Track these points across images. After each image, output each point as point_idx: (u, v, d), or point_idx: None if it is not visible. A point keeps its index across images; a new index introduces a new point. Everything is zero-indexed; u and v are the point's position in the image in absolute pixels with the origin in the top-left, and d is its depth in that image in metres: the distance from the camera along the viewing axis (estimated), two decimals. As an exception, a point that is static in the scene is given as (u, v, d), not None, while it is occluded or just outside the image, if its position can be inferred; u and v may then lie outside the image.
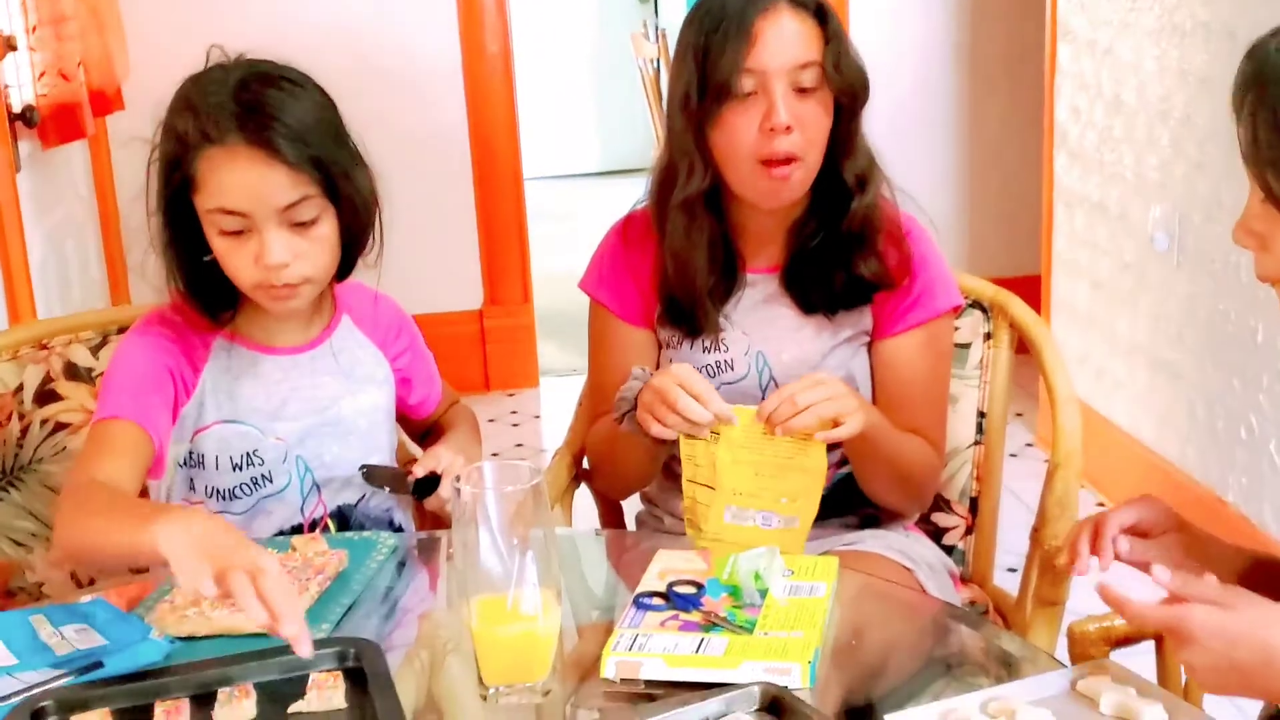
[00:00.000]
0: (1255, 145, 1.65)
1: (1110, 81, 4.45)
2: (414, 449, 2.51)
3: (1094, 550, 1.85)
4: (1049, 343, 2.53)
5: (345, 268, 2.27)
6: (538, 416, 5.74)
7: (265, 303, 2.20)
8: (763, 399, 2.12)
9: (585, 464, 2.64)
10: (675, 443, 2.17)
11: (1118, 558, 1.84)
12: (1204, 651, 1.50)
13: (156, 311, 2.28)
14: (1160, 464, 4.27)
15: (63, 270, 4.59)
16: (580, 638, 1.90)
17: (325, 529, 2.29)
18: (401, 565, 2.15)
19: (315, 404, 2.30)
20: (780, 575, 1.87)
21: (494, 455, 4.97)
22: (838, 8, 2.35)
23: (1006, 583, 2.64)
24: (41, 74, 4.15)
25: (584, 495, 2.67)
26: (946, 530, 2.61)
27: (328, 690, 1.65)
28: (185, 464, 2.27)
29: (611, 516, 2.70)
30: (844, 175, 2.34)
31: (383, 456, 2.37)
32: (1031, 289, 4.67)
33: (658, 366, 2.44)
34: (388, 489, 2.31)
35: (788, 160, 2.26)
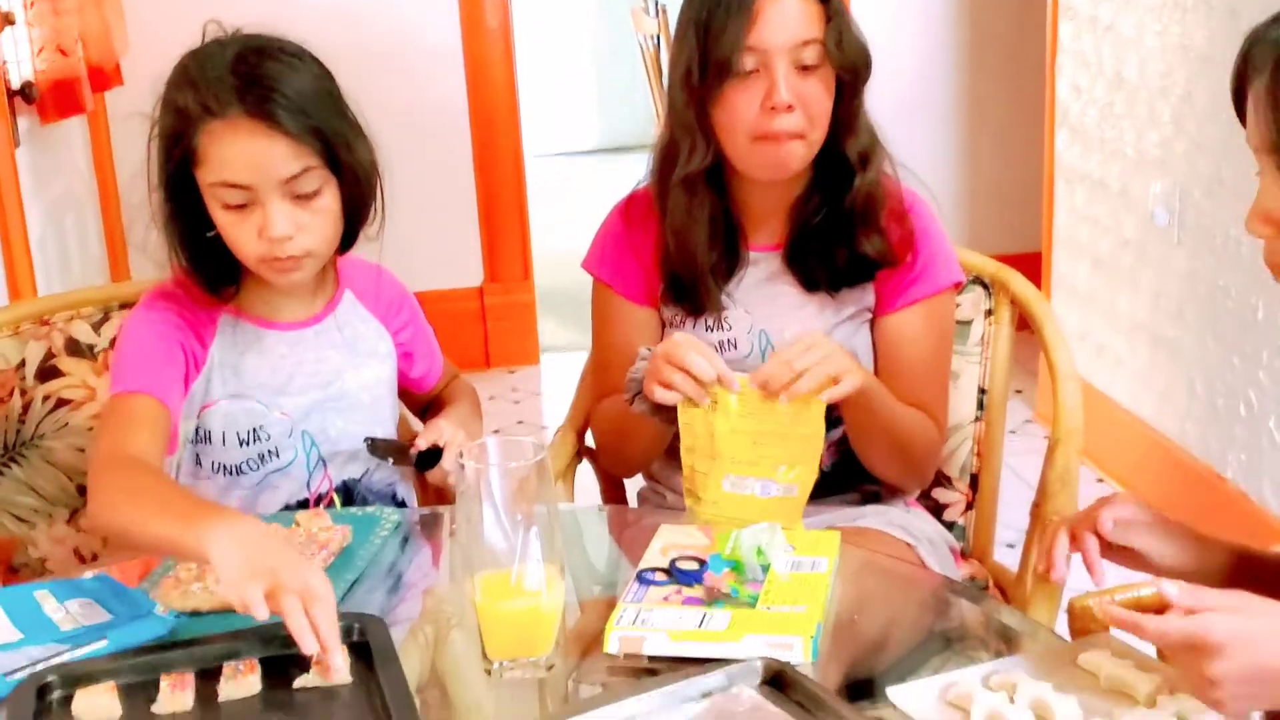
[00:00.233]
0: (1276, 131, 1.63)
1: (1111, 58, 4.45)
2: (415, 424, 2.52)
3: (1076, 547, 1.84)
4: (1050, 319, 2.54)
5: (348, 240, 2.26)
6: (538, 393, 5.73)
7: (269, 276, 2.20)
8: None
9: (588, 440, 2.65)
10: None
11: (1103, 541, 1.84)
12: (1231, 660, 1.45)
13: (160, 288, 2.28)
14: (1160, 440, 4.27)
15: (62, 246, 4.59)
16: (582, 613, 1.91)
17: (330, 503, 2.30)
18: (405, 541, 2.16)
19: (320, 378, 2.31)
20: (782, 551, 1.88)
21: (495, 432, 4.97)
22: (839, -16, 2.36)
23: (1006, 558, 2.65)
24: (40, 49, 4.14)
25: (585, 471, 2.68)
26: (947, 506, 2.61)
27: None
28: (192, 440, 2.27)
29: (613, 492, 2.70)
30: (846, 153, 2.34)
31: (386, 430, 2.37)
32: (1032, 266, 4.66)
33: (662, 346, 2.45)
34: (391, 461, 2.31)
35: (790, 137, 2.27)
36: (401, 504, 2.42)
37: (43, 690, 1.64)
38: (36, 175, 4.23)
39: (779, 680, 1.59)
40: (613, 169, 9.28)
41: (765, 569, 1.84)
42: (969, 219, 5.87)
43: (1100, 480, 4.50)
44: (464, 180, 5.78)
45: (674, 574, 1.85)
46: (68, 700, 1.62)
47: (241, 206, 2.12)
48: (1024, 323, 2.57)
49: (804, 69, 2.26)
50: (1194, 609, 1.49)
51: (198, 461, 2.28)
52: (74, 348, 2.53)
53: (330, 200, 2.16)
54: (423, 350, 2.50)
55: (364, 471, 2.35)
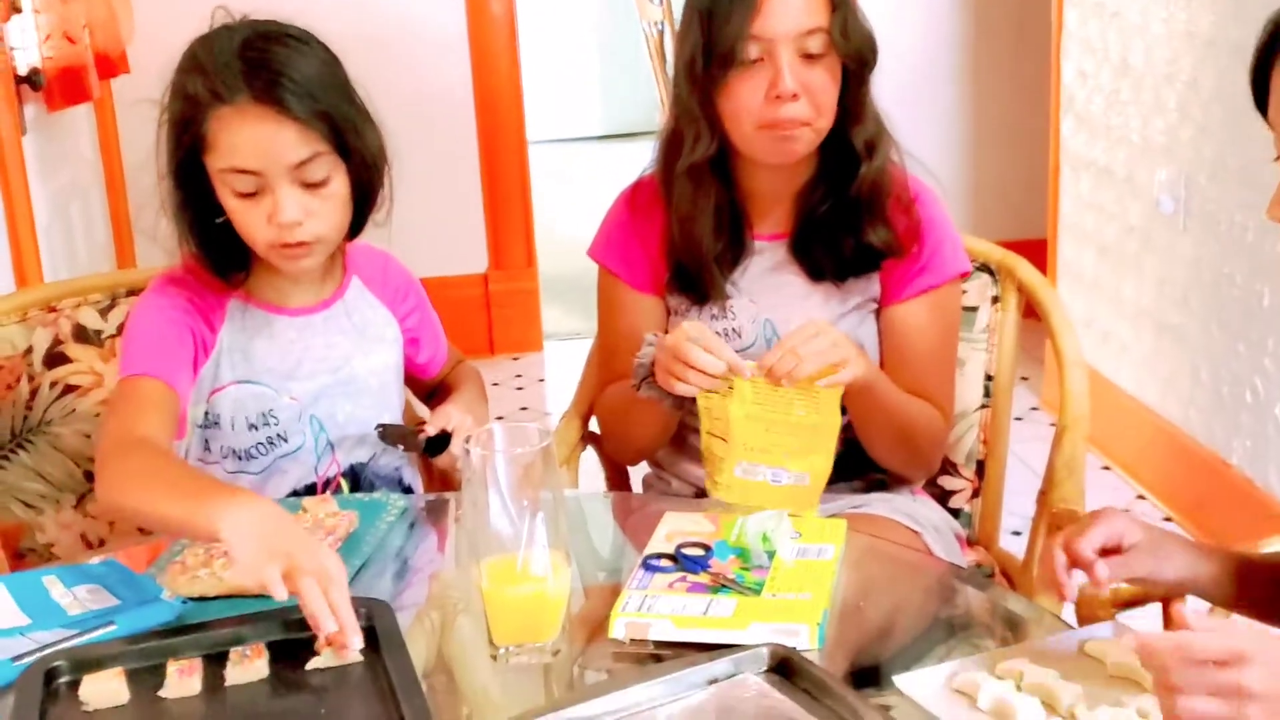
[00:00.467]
0: None
1: (1117, 44, 4.44)
2: (421, 410, 2.52)
3: (1075, 564, 1.78)
4: (1057, 306, 2.54)
5: (356, 226, 2.27)
6: (542, 380, 5.74)
7: (279, 262, 2.20)
8: None
9: (592, 427, 2.65)
10: (690, 406, 2.18)
11: (1099, 584, 1.77)
12: (1264, 669, 1.38)
13: (170, 273, 2.29)
14: (1165, 427, 4.28)
15: (68, 233, 4.59)
16: (587, 598, 1.90)
17: (338, 488, 2.30)
18: (411, 526, 2.16)
19: (328, 363, 2.32)
20: (788, 538, 1.88)
21: (499, 419, 4.97)
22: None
23: (1012, 545, 2.65)
24: (47, 37, 4.14)
25: (590, 457, 2.68)
26: (953, 493, 2.61)
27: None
28: (201, 425, 2.28)
29: (618, 479, 2.71)
30: (853, 141, 2.33)
31: (393, 415, 2.38)
32: (1037, 252, 4.65)
33: (667, 334, 2.45)
34: (401, 447, 2.32)
35: (794, 126, 2.26)
36: (408, 489, 2.42)
37: (50, 675, 1.64)
38: (43, 162, 4.23)
39: (785, 667, 1.59)
40: (617, 155, 9.28)
41: (771, 556, 1.85)
42: (974, 206, 5.86)
43: (1106, 468, 4.51)
44: (468, 167, 5.78)
45: (680, 560, 1.86)
46: (75, 685, 1.62)
47: (252, 194, 2.12)
48: (1029, 309, 2.57)
49: (809, 57, 2.26)
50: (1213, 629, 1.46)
51: (206, 446, 2.29)
52: (81, 334, 2.53)
53: (339, 186, 2.16)
54: (429, 336, 2.50)
55: (371, 456, 2.36)
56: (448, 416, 2.25)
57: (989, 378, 2.60)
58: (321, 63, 2.16)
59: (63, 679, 1.65)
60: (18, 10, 3.93)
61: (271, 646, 1.68)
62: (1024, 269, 2.57)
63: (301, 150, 2.10)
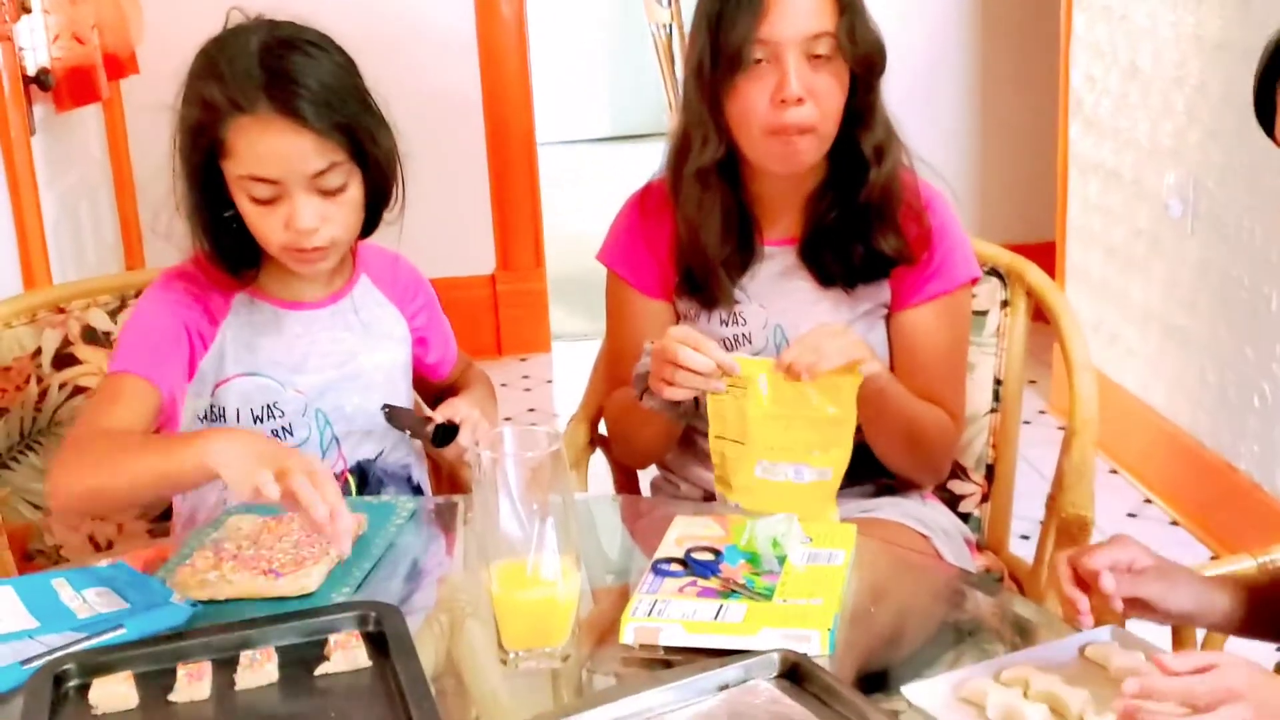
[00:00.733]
0: None
1: (1125, 48, 4.44)
2: (429, 413, 2.52)
3: (1083, 587, 1.77)
4: (1066, 310, 2.53)
5: (369, 226, 2.29)
6: (550, 381, 5.74)
7: (292, 265, 2.23)
8: None
9: (601, 429, 2.65)
10: (694, 412, 2.18)
11: (1104, 596, 1.75)
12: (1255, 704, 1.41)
13: (178, 267, 2.31)
14: (1172, 431, 4.27)
15: (77, 234, 4.59)
16: (596, 602, 1.91)
17: (345, 483, 2.30)
18: (420, 529, 2.16)
19: (335, 358, 2.32)
20: (798, 542, 1.88)
21: (506, 420, 4.97)
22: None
23: (1021, 550, 2.65)
24: (56, 37, 4.15)
25: (598, 460, 2.68)
26: (962, 498, 2.61)
27: (352, 650, 1.67)
28: (206, 417, 2.28)
29: (626, 482, 2.71)
30: (861, 146, 2.33)
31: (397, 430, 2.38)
32: (1045, 255, 4.65)
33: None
34: (408, 432, 2.32)
35: (800, 131, 2.26)
36: (417, 488, 2.43)
37: (59, 679, 1.63)
38: (52, 163, 4.23)
39: (795, 673, 1.59)
40: (625, 157, 9.30)
41: (781, 560, 1.84)
42: (982, 209, 5.86)
43: (1114, 472, 4.50)
44: (477, 168, 5.78)
45: (690, 565, 1.85)
46: (84, 689, 1.62)
47: (269, 200, 2.14)
48: (1038, 313, 2.57)
49: (816, 62, 2.26)
50: (1202, 667, 1.45)
51: None
52: (90, 335, 2.54)
53: (355, 192, 2.19)
54: (438, 338, 2.51)
55: (379, 452, 2.36)
56: (456, 408, 2.26)
57: (998, 382, 2.60)
58: (339, 70, 2.17)
59: (72, 682, 1.64)
60: (27, 10, 3.93)
61: (281, 650, 1.68)
62: (1033, 273, 2.57)
63: (320, 161, 2.12)
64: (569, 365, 5.79)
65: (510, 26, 5.70)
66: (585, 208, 7.50)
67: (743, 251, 2.40)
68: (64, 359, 2.51)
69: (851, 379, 2.12)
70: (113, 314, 2.56)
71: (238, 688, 1.63)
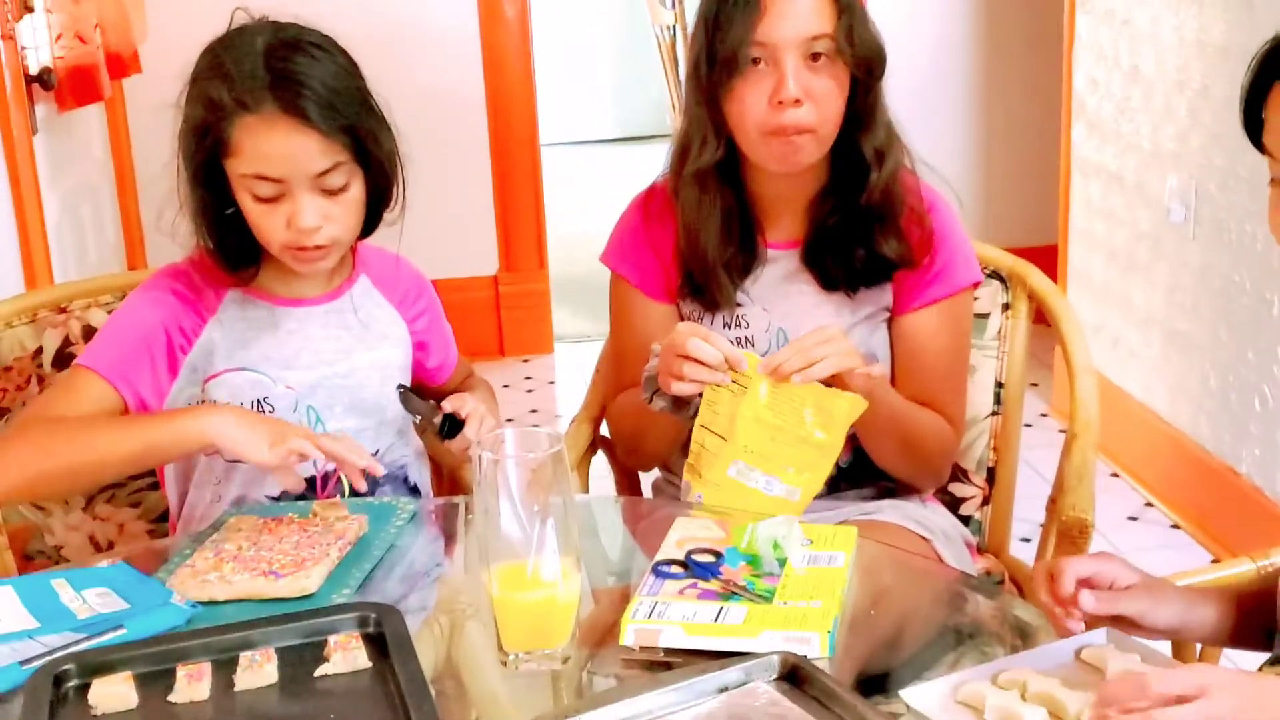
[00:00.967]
0: None
1: (1128, 51, 4.44)
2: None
3: (1056, 599, 1.73)
4: (1068, 313, 2.53)
5: (370, 225, 2.30)
6: (552, 382, 5.74)
7: (292, 263, 2.24)
8: None
9: (603, 431, 2.65)
10: (697, 409, 2.18)
11: (1084, 612, 1.71)
12: (1228, 691, 1.40)
13: (171, 266, 2.33)
14: (1174, 435, 4.27)
15: (79, 233, 4.60)
16: (597, 603, 1.91)
17: (338, 482, 2.30)
18: (421, 531, 2.16)
19: (327, 356, 2.33)
20: (799, 545, 1.88)
21: (509, 421, 4.97)
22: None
23: (1022, 553, 2.65)
24: (58, 36, 4.15)
25: (600, 461, 2.68)
26: (963, 500, 2.61)
27: (352, 651, 1.67)
28: None
29: (627, 483, 2.70)
30: (862, 149, 2.33)
31: (396, 413, 2.38)
32: (1048, 259, 4.65)
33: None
34: (418, 417, 2.32)
35: (799, 131, 2.26)
36: (414, 488, 2.43)
37: (59, 679, 1.63)
38: (54, 163, 4.23)
39: (796, 675, 1.59)
40: (629, 159, 9.29)
41: (782, 563, 1.84)
42: (985, 211, 5.85)
43: (1114, 475, 4.50)
44: (480, 169, 5.78)
45: (690, 567, 1.85)
46: (84, 689, 1.62)
47: (272, 199, 2.16)
48: (1039, 315, 2.57)
49: (814, 64, 2.25)
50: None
51: None
52: (91, 335, 2.52)
53: (356, 192, 2.21)
54: (438, 342, 2.51)
55: (374, 451, 2.35)
56: (464, 401, 2.26)
57: (999, 385, 2.60)
58: (343, 72, 2.20)
59: (71, 683, 1.64)
60: (29, 9, 3.93)
61: (281, 651, 1.68)
62: (1035, 276, 2.57)
63: (323, 160, 2.14)
64: (571, 367, 5.79)
65: (514, 27, 5.70)
66: (588, 209, 7.50)
67: (745, 254, 2.40)
68: (65, 359, 2.50)
69: (850, 411, 2.12)
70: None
71: (237, 689, 1.63)
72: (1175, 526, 4.18)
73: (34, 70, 3.98)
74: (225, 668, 1.65)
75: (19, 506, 2.48)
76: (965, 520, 2.58)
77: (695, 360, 2.11)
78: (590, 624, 1.81)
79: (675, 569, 1.85)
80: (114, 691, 1.61)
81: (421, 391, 2.38)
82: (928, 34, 5.83)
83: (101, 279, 2.68)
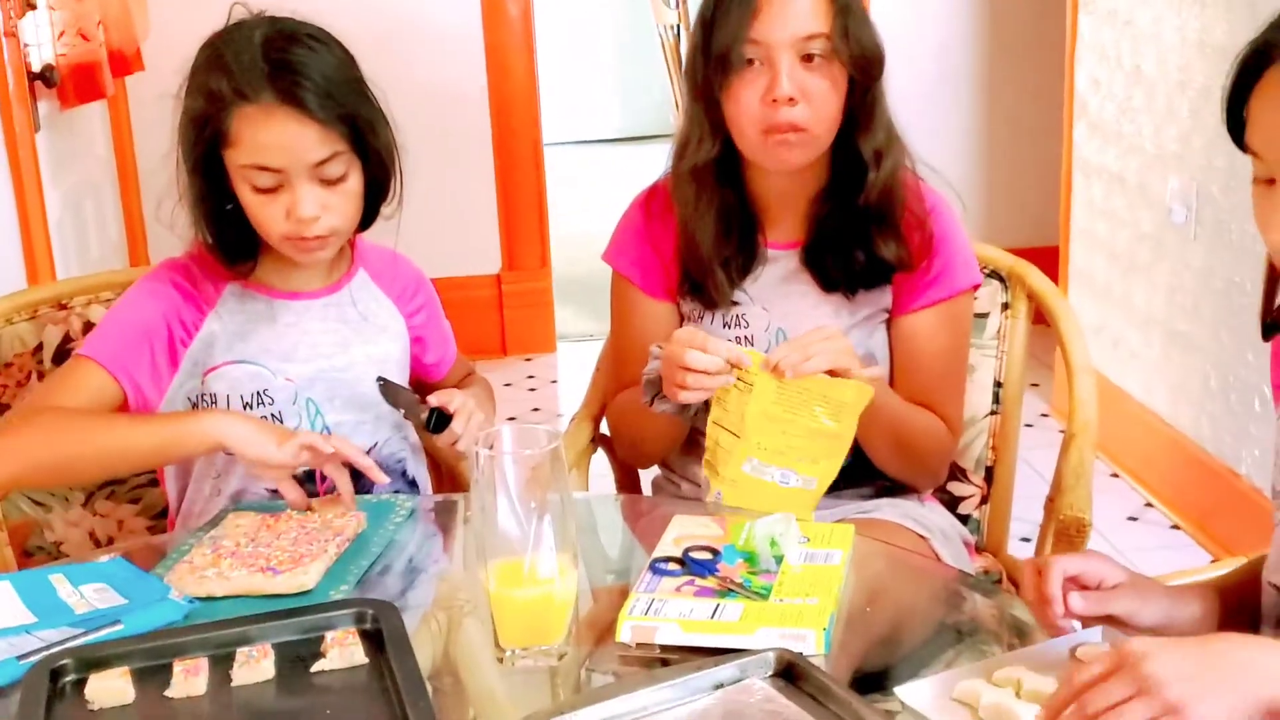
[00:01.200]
0: None
1: (1130, 52, 4.44)
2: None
3: (1043, 597, 1.74)
4: (1067, 313, 2.54)
5: (368, 218, 2.31)
6: (554, 381, 5.74)
7: (292, 254, 2.25)
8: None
9: (603, 428, 2.65)
10: (700, 412, 2.18)
11: (1069, 613, 1.72)
12: (1159, 655, 1.38)
13: (171, 260, 2.34)
14: (1174, 435, 4.27)
15: (81, 230, 4.60)
16: (595, 601, 1.91)
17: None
18: (419, 528, 2.16)
19: (325, 349, 2.34)
20: (796, 542, 1.88)
21: (510, 419, 4.98)
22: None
23: (1020, 552, 2.65)
24: (61, 33, 4.15)
25: (600, 458, 2.68)
26: (962, 499, 2.61)
27: (349, 647, 1.67)
28: (197, 404, 2.29)
29: (627, 481, 2.71)
30: (861, 150, 2.33)
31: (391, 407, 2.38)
32: (1049, 259, 4.65)
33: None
34: (402, 411, 2.32)
35: (793, 130, 2.26)
36: (412, 482, 2.44)
37: (56, 674, 1.64)
38: (56, 160, 4.24)
39: (791, 672, 1.59)
40: (632, 158, 9.29)
41: (779, 560, 1.84)
42: (986, 211, 5.85)
43: (1114, 475, 4.50)
44: (483, 168, 5.79)
45: (687, 564, 1.85)
46: (81, 684, 1.62)
47: (271, 189, 2.17)
48: (1039, 316, 2.57)
49: (809, 63, 2.26)
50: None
51: None
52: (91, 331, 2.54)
53: (355, 182, 2.22)
54: (436, 338, 2.51)
55: (372, 444, 2.36)
56: (451, 396, 2.26)
57: (998, 384, 2.60)
58: (340, 63, 2.21)
59: (68, 678, 1.64)
60: (32, 7, 3.93)
61: (278, 647, 1.68)
62: (1034, 276, 2.57)
63: (322, 150, 2.15)
64: (574, 365, 5.80)
65: (517, 26, 5.71)
66: (591, 208, 7.50)
67: (745, 254, 2.40)
68: (65, 355, 2.50)
69: (858, 400, 2.12)
70: (115, 311, 2.56)
71: (234, 684, 1.63)
72: (1175, 527, 4.18)
73: (36, 67, 3.99)
74: (222, 663, 1.65)
75: (19, 503, 2.49)
76: (963, 519, 2.58)
77: (696, 371, 2.11)
78: (588, 621, 1.81)
79: (672, 566, 1.85)
80: (111, 686, 1.61)
81: (418, 389, 2.39)
82: (930, 35, 5.83)
83: (102, 275, 2.68)
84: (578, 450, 2.61)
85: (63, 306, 2.54)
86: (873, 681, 1.69)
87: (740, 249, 2.39)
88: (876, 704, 1.56)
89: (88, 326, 2.53)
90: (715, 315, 2.41)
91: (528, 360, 5.91)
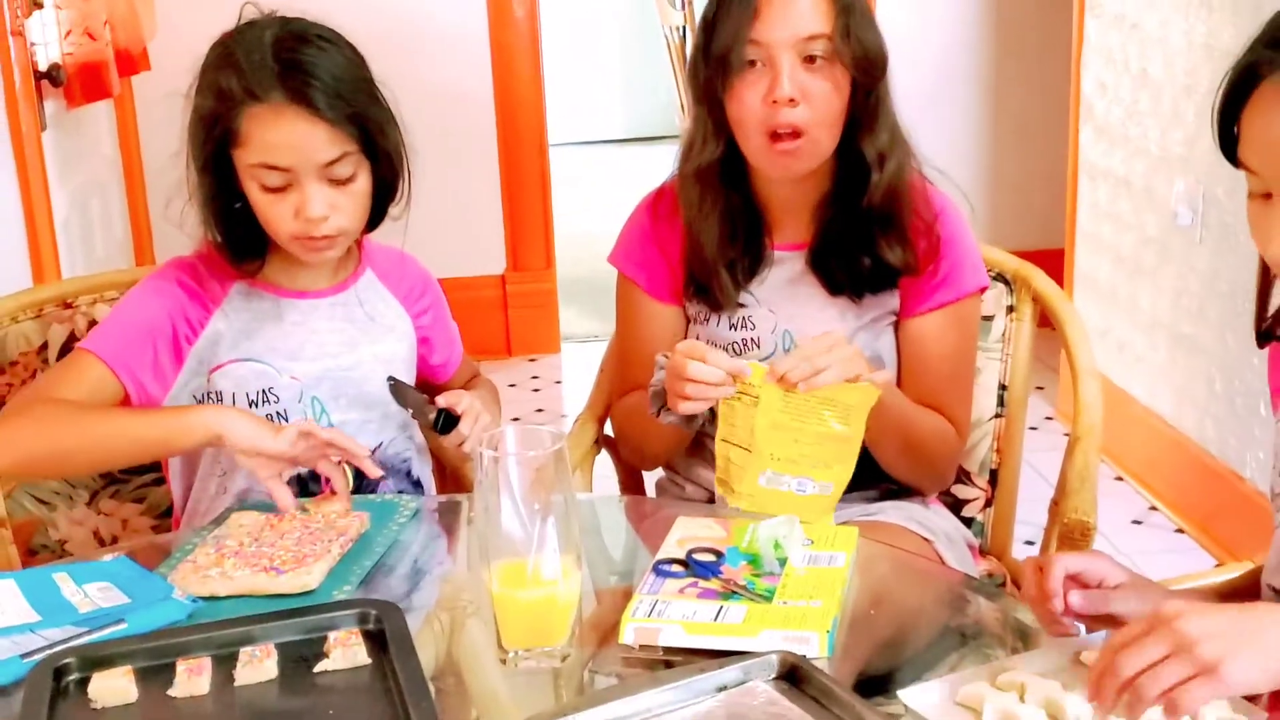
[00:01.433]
0: None
1: (1136, 55, 4.44)
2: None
3: (1043, 594, 1.71)
4: (1072, 316, 2.54)
5: (375, 218, 2.32)
6: (559, 382, 5.74)
7: (300, 253, 2.26)
8: None
9: (607, 430, 2.65)
10: (708, 420, 2.18)
11: (1069, 611, 1.70)
12: (1194, 615, 1.39)
13: (179, 259, 2.34)
14: (1179, 439, 4.27)
15: (87, 229, 4.60)
16: (599, 602, 1.91)
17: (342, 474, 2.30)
18: (422, 528, 2.16)
19: (331, 348, 2.34)
20: (799, 544, 1.88)
21: (515, 420, 4.98)
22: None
23: (1024, 555, 2.64)
24: (68, 33, 4.15)
25: (604, 460, 2.68)
26: (966, 502, 2.61)
27: (352, 647, 1.67)
28: (202, 401, 2.29)
29: (631, 482, 2.71)
30: (864, 151, 2.33)
31: (399, 407, 2.38)
32: (1054, 262, 4.64)
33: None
34: (410, 411, 2.32)
35: (795, 134, 2.26)
36: (417, 482, 2.44)
37: (59, 672, 1.64)
38: (63, 159, 4.24)
39: (794, 675, 1.59)
40: (638, 159, 9.29)
41: (782, 562, 1.84)
42: (992, 214, 5.85)
43: (1119, 479, 4.50)
44: (488, 169, 5.79)
45: (691, 566, 1.85)
46: (84, 683, 1.62)
47: (280, 188, 2.18)
48: (1044, 319, 2.57)
49: (811, 65, 2.25)
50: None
51: None
52: (96, 331, 2.54)
53: (364, 183, 2.23)
54: (443, 338, 2.52)
55: (378, 444, 2.36)
56: (459, 397, 2.26)
57: (1003, 387, 2.60)
58: (350, 63, 2.22)
59: (72, 676, 1.64)
60: (39, 6, 3.94)
61: (281, 647, 1.68)
62: (1039, 279, 2.57)
63: (331, 150, 2.16)
64: (578, 366, 5.79)
65: (523, 27, 5.71)
66: (596, 209, 7.51)
67: (751, 255, 2.40)
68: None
69: (864, 401, 2.12)
70: (119, 310, 2.56)
71: (237, 684, 1.63)
72: (1180, 531, 4.18)
73: (43, 66, 3.99)
74: (225, 663, 1.65)
75: (24, 501, 2.49)
76: (968, 522, 2.58)
77: (698, 383, 2.11)
78: (592, 623, 1.81)
79: (676, 568, 1.85)
80: (114, 685, 1.61)
81: (424, 390, 2.39)
82: (936, 37, 5.83)
83: (108, 275, 2.68)
84: (582, 451, 2.60)
85: (68, 305, 2.54)
86: (876, 684, 1.69)
87: (746, 251, 2.39)
88: (880, 707, 1.56)
89: (92, 326, 2.52)
90: (721, 317, 2.41)
91: (532, 361, 5.91)
